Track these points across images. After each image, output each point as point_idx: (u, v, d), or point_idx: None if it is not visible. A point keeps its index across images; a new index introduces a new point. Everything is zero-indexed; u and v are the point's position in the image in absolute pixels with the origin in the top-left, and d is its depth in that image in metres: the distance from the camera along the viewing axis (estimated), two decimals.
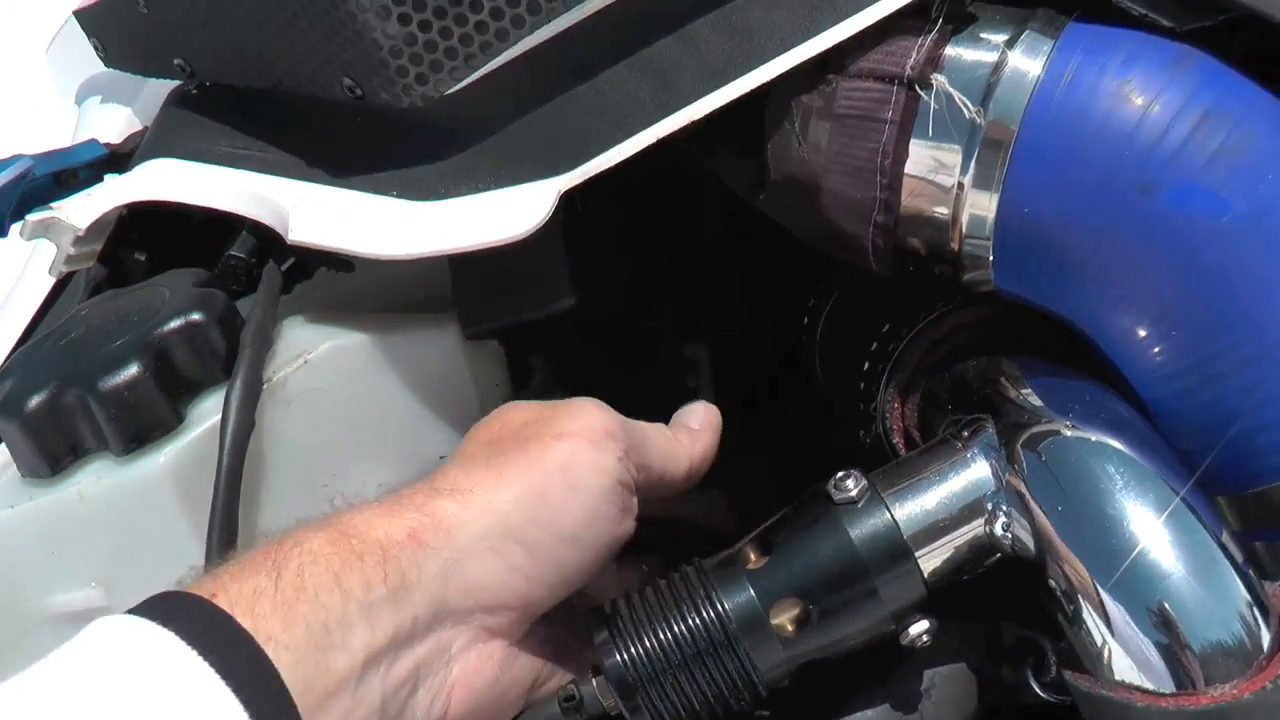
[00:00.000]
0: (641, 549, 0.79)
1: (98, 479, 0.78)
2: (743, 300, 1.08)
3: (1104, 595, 0.66)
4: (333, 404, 0.82)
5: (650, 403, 0.84)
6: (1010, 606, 0.77)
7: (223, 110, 0.91)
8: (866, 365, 0.87)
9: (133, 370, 0.77)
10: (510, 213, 0.76)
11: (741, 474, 0.91)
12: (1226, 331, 0.68)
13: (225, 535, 0.75)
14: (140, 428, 0.78)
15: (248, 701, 0.58)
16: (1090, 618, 0.67)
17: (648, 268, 1.01)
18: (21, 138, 1.09)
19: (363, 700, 0.64)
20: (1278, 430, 0.69)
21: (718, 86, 0.74)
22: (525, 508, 0.71)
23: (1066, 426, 0.70)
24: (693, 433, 0.84)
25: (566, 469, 0.72)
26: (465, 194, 0.79)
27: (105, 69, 1.00)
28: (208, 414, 0.79)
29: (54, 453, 0.79)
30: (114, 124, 1.05)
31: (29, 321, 1.07)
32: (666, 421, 0.84)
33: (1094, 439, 0.70)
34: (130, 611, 0.61)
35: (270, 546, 0.66)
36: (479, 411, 0.86)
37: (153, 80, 0.99)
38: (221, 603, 0.61)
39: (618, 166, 0.76)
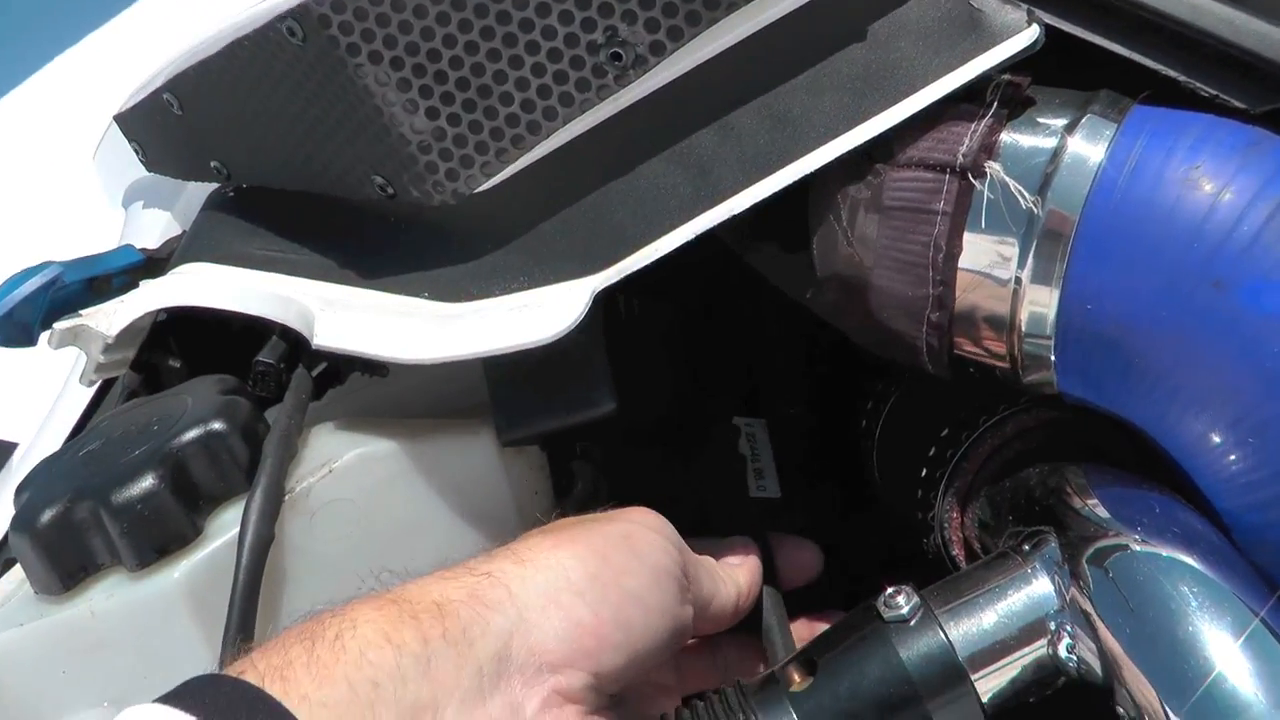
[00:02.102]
0: None
1: (110, 596, 0.74)
2: (805, 379, 1.03)
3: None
4: (359, 515, 0.78)
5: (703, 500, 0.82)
6: None
7: (257, 212, 0.89)
8: (925, 472, 0.82)
9: (148, 482, 0.74)
10: (543, 314, 0.73)
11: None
12: None
13: (237, 652, 0.70)
14: (156, 542, 0.74)
15: None
16: None
17: (703, 361, 0.96)
18: (72, 245, 1.07)
19: None
20: None
21: (759, 178, 0.71)
22: (587, 564, 0.67)
23: (1136, 540, 0.65)
24: (735, 567, 0.81)
25: (628, 537, 0.70)
26: (497, 294, 0.76)
27: (147, 173, 0.98)
28: (227, 526, 0.75)
29: (67, 568, 0.75)
30: (154, 228, 1.04)
31: (69, 432, 1.05)
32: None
33: (1165, 554, 0.64)
34: (157, 700, 0.57)
35: (306, 622, 0.62)
36: (517, 522, 0.82)
37: (193, 184, 0.97)
38: (250, 677, 0.58)
39: (658, 262, 0.72)
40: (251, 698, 0.56)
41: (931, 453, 0.81)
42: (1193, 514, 0.67)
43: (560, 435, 0.84)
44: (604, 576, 0.67)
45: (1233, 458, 0.65)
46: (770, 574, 0.84)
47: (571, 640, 0.65)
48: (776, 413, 0.98)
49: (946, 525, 0.79)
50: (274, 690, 0.57)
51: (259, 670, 0.58)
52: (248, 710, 0.56)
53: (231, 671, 0.59)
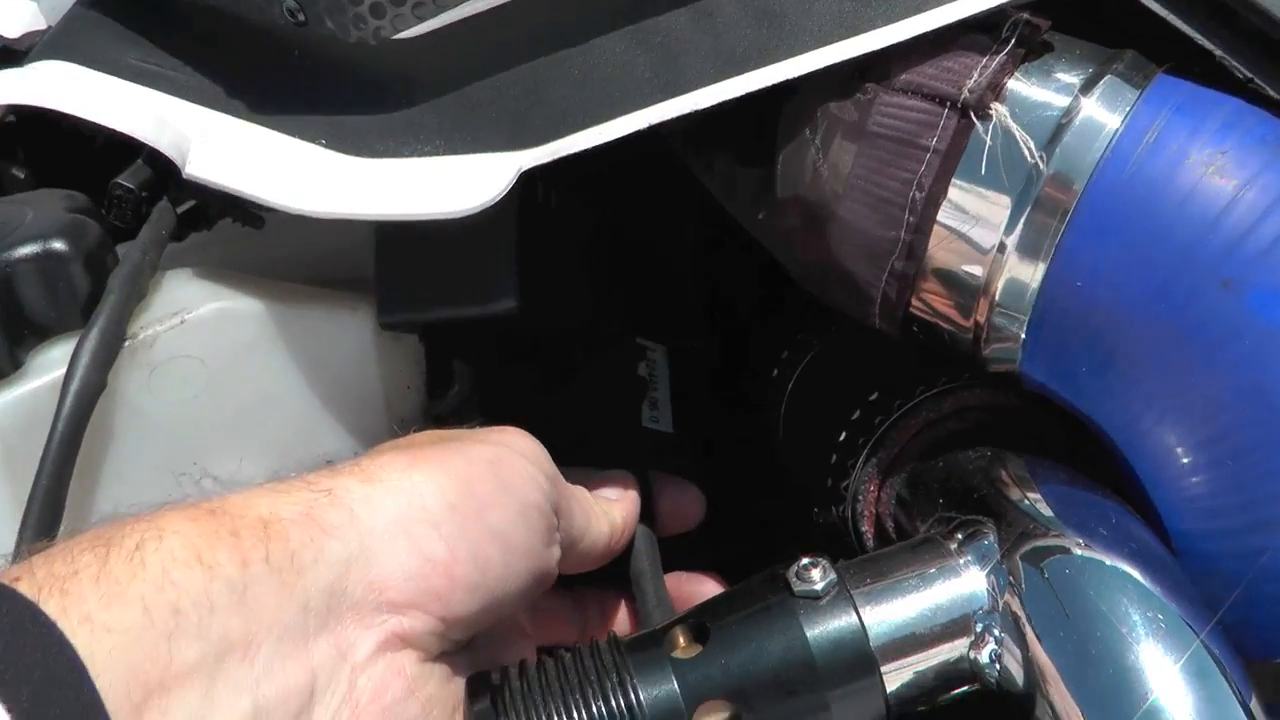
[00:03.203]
0: None
1: None
2: (710, 319, 0.95)
3: None
4: (208, 377, 0.68)
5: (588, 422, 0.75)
6: None
7: (141, 17, 0.77)
8: (844, 436, 0.74)
9: None
10: (458, 184, 0.64)
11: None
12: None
13: (47, 517, 0.61)
14: None
15: (9, 699, 0.43)
16: None
17: (610, 274, 0.88)
18: None
19: (221, 703, 0.49)
20: None
21: (734, 74, 0.62)
22: (447, 491, 0.58)
23: (1078, 544, 0.58)
24: (612, 502, 0.72)
25: (495, 464, 0.61)
26: (407, 155, 0.67)
27: None
28: (52, 365, 0.65)
29: None
30: (16, 15, 0.91)
31: None
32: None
33: (1109, 563, 0.57)
34: None
35: (103, 526, 0.51)
36: (383, 415, 0.73)
37: None
38: (24, 586, 0.46)
39: (595, 152, 0.63)
40: (18, 613, 0.45)
41: (855, 415, 0.74)
42: (1143, 527, 0.61)
43: (446, 327, 0.75)
44: (464, 507, 0.58)
45: (1200, 479, 0.59)
46: (649, 515, 0.76)
47: (420, 578, 0.56)
48: (679, 346, 0.89)
49: (861, 497, 0.72)
50: (49, 606, 0.45)
51: (36, 579, 0.47)
52: (10, 629, 0.44)
53: (4, 577, 0.47)
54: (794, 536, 0.69)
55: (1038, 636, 0.57)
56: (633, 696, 0.58)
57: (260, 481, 0.60)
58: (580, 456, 0.72)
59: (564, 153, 0.63)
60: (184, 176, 0.67)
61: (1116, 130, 0.59)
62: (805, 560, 0.60)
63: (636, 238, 0.89)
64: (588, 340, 0.83)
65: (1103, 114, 0.59)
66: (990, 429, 0.70)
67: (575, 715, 0.58)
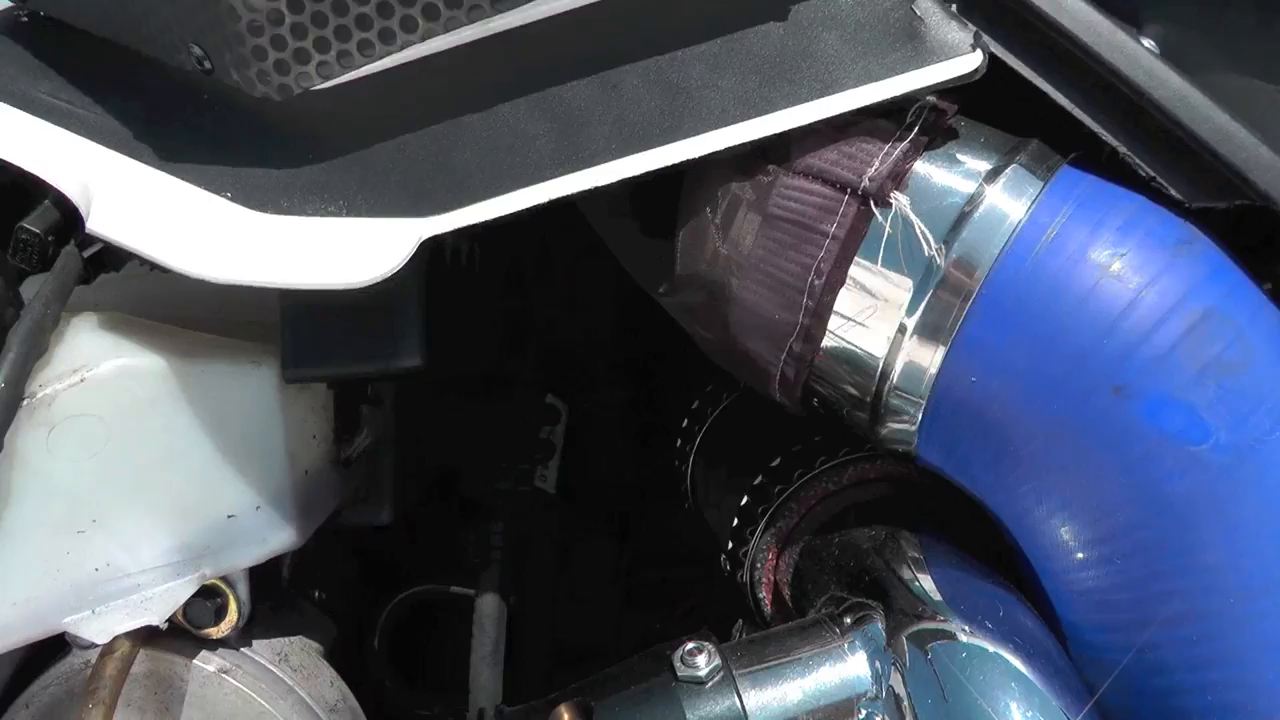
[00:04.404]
0: None
1: None
2: (616, 370, 0.95)
3: None
4: (108, 435, 0.68)
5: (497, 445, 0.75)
6: None
7: (53, 50, 0.76)
8: (745, 500, 0.74)
9: None
10: (359, 251, 0.63)
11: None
12: (1180, 575, 0.57)
13: None
14: None
15: None
16: None
17: (521, 320, 0.87)
18: None
19: None
20: (1211, 696, 0.58)
21: (637, 149, 0.62)
22: None
23: (963, 631, 0.59)
24: None
25: None
26: (311, 214, 0.66)
27: None
28: None
29: None
30: None
31: None
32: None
33: (991, 650, 0.58)
34: None
35: None
36: (287, 468, 0.72)
37: None
38: None
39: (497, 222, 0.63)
40: None
41: (757, 481, 0.74)
42: (1029, 615, 0.62)
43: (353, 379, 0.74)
44: None
45: (1093, 574, 0.60)
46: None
47: None
48: (585, 397, 0.89)
49: (759, 565, 0.72)
50: None
51: None
52: None
53: None
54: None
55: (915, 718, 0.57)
56: None
57: (157, 538, 0.60)
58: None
59: (464, 223, 0.63)
60: (86, 230, 0.66)
61: (1020, 221, 0.59)
62: (690, 645, 0.60)
63: (552, 287, 0.89)
64: (494, 389, 0.83)
65: (1006, 203, 0.59)
66: (890, 502, 0.70)
67: None
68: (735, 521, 0.75)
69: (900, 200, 0.59)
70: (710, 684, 0.59)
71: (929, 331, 0.59)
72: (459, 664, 0.86)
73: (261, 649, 0.79)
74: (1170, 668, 0.59)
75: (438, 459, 0.82)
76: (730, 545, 0.75)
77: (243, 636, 0.78)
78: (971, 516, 0.66)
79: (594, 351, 0.92)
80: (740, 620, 0.63)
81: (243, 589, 0.75)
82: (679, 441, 0.86)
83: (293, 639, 0.81)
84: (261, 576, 0.77)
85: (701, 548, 0.85)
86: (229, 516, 0.70)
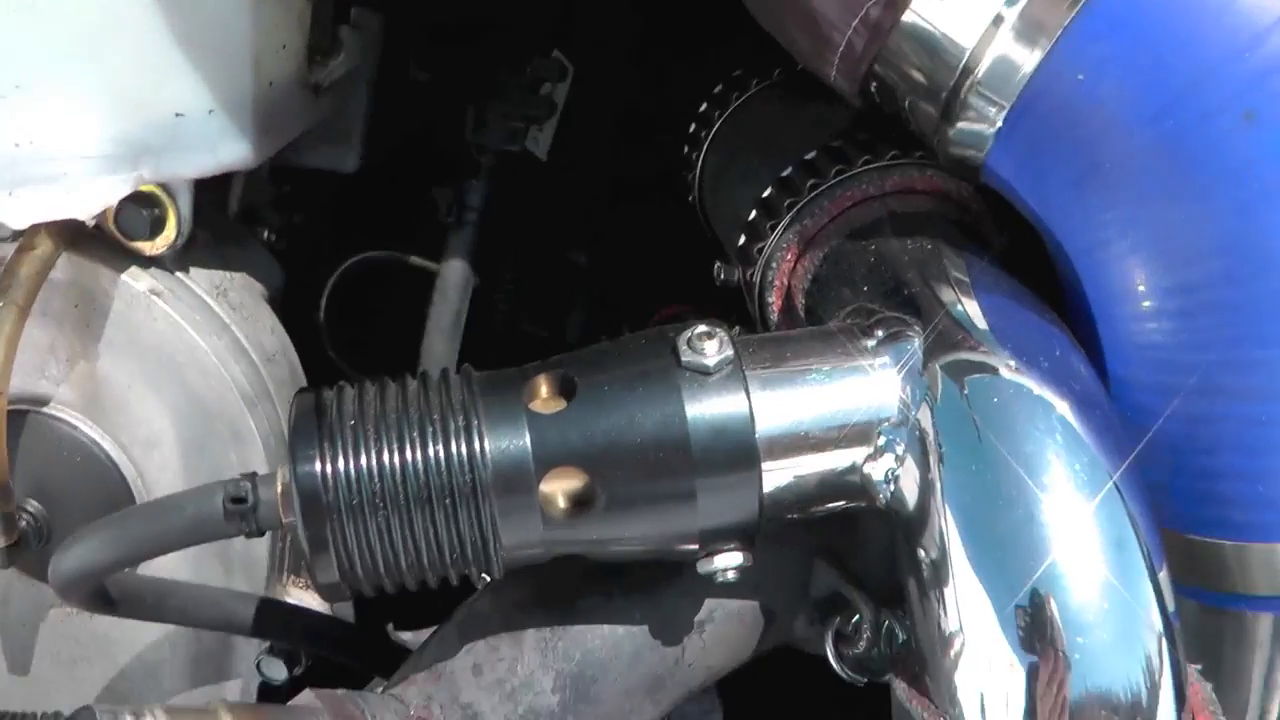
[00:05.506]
0: None
1: None
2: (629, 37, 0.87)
3: (983, 583, 0.49)
4: None
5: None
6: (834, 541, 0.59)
7: None
8: (769, 193, 0.66)
9: None
10: None
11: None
12: (1268, 344, 0.51)
13: None
14: None
15: None
16: (952, 606, 0.49)
17: None
18: None
19: None
20: (1262, 487, 0.53)
21: None
22: None
23: (1008, 366, 0.51)
24: None
25: None
26: None
27: None
28: None
29: None
30: None
31: None
32: None
33: (1037, 391, 0.51)
34: None
35: None
36: (249, 72, 0.63)
37: None
38: None
39: None
40: None
41: (786, 173, 0.65)
42: (1084, 361, 0.54)
43: None
44: None
45: (1160, 326, 0.53)
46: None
47: None
48: (586, 56, 0.81)
49: (775, 264, 0.64)
50: None
51: None
52: None
53: None
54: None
55: (942, 461, 0.50)
56: (476, 445, 0.51)
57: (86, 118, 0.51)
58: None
59: None
60: None
61: None
62: (701, 327, 0.52)
63: None
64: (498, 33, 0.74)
65: None
66: (935, 218, 0.62)
67: (407, 455, 0.51)
68: (753, 215, 0.67)
69: None
70: (716, 375, 0.51)
71: (1033, 24, 0.51)
72: (409, 341, 0.79)
73: (199, 278, 0.72)
74: (1224, 447, 0.53)
75: (420, 107, 0.73)
76: (742, 240, 0.67)
77: (179, 259, 0.71)
78: (1023, 252, 0.58)
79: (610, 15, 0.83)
80: (737, 327, 0.54)
81: (185, 202, 0.67)
82: (692, 127, 0.77)
83: (234, 274, 0.74)
84: (207, 198, 0.68)
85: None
86: (176, 115, 0.63)
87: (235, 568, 0.77)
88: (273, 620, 0.72)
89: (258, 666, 0.78)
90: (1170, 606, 0.49)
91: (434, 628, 0.61)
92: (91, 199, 0.64)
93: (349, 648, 0.74)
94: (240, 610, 0.70)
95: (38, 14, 0.58)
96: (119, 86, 0.62)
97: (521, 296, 0.87)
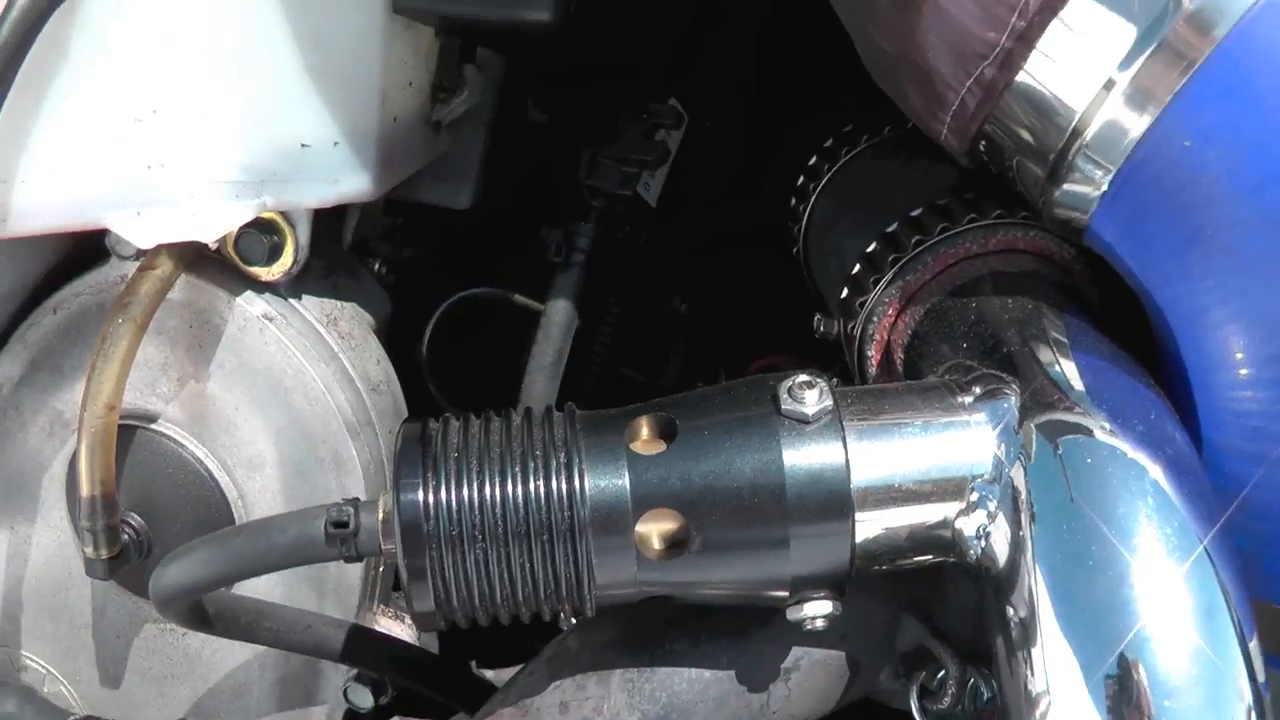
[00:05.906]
0: None
1: None
2: (744, 90, 0.87)
3: (1072, 645, 0.48)
4: (189, 14, 0.60)
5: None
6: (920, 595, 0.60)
7: None
8: (875, 247, 0.67)
9: None
10: None
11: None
12: None
13: None
14: None
15: None
16: (1040, 666, 0.49)
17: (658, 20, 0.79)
18: None
19: None
20: None
21: None
22: None
23: (1103, 429, 0.51)
24: None
25: None
26: None
27: None
28: None
29: None
30: None
31: None
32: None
33: (1131, 455, 0.51)
34: None
35: None
36: (376, 107, 0.65)
37: None
38: None
39: None
40: None
41: (892, 229, 0.66)
42: (1179, 426, 0.54)
43: (466, 26, 0.66)
44: None
45: (1256, 395, 0.53)
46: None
47: None
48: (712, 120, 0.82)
49: (876, 318, 0.65)
50: None
51: None
52: None
53: None
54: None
55: (1034, 520, 0.51)
56: (576, 483, 0.52)
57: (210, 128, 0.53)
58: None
59: None
60: None
61: None
62: (802, 376, 0.53)
63: None
64: (617, 79, 0.75)
65: None
66: (1036, 278, 0.62)
67: (509, 489, 0.52)
68: (857, 269, 0.67)
69: None
70: (815, 425, 0.52)
71: (1143, 89, 0.51)
72: (508, 378, 0.80)
73: (311, 305, 0.73)
74: None
75: (536, 148, 0.75)
76: (845, 293, 0.68)
77: (293, 286, 0.72)
78: (1121, 316, 0.59)
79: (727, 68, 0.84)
80: (835, 379, 0.55)
81: (304, 231, 0.68)
82: (800, 180, 0.78)
83: (345, 304, 0.75)
84: (322, 227, 0.70)
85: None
86: (303, 145, 0.64)
87: (328, 593, 0.78)
88: (362, 648, 0.72)
89: (344, 694, 0.78)
90: (1260, 676, 0.49)
91: (514, 666, 0.62)
92: (215, 223, 0.65)
93: (435, 680, 0.75)
94: (331, 636, 0.71)
95: (177, 41, 0.60)
96: (251, 115, 0.63)
97: (621, 339, 0.88)
